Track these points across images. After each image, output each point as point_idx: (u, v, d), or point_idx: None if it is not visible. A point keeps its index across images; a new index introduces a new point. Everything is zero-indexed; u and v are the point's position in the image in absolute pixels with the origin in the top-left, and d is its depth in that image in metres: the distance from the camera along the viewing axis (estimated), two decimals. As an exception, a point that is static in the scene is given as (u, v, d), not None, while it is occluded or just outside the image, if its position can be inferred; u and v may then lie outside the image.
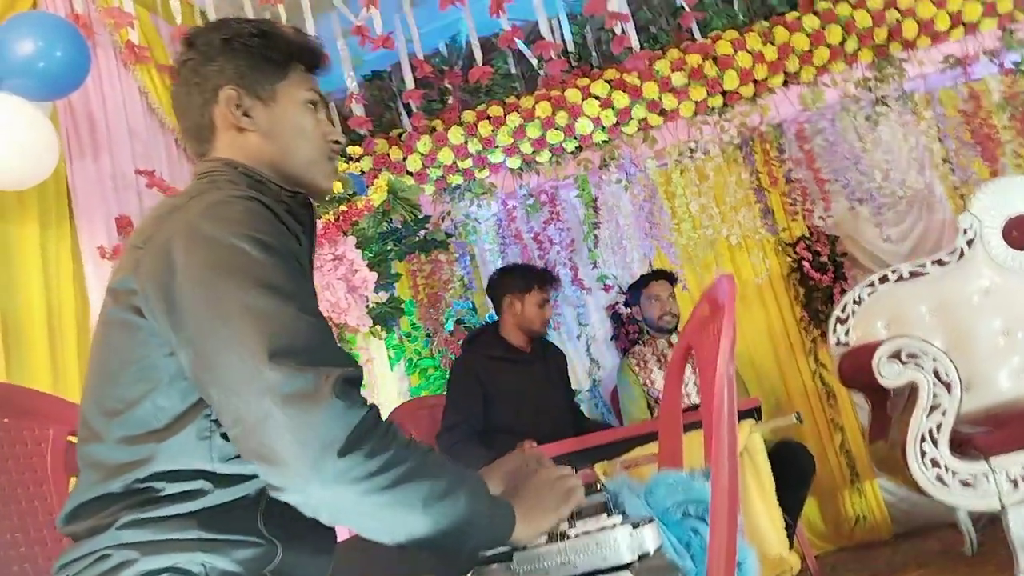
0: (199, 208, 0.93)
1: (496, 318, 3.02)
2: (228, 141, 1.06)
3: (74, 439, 1.22)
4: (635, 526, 0.99)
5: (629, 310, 3.64)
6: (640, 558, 0.97)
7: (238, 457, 0.91)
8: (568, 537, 0.99)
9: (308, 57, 1.10)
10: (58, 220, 2.16)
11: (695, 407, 2.66)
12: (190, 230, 0.90)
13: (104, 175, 2.28)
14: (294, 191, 1.08)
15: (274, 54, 1.07)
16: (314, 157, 1.09)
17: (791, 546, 2.58)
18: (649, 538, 0.99)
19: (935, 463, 2.56)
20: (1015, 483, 2.50)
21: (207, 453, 0.91)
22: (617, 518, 1.02)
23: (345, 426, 0.82)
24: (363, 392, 0.91)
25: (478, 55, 3.12)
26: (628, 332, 3.71)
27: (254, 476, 0.92)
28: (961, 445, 2.60)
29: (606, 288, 3.69)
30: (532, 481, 1.05)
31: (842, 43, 3.44)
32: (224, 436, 0.91)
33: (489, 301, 3.11)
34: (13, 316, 1.94)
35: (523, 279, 2.87)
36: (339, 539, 1.09)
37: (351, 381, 0.87)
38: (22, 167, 1.85)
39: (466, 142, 3.50)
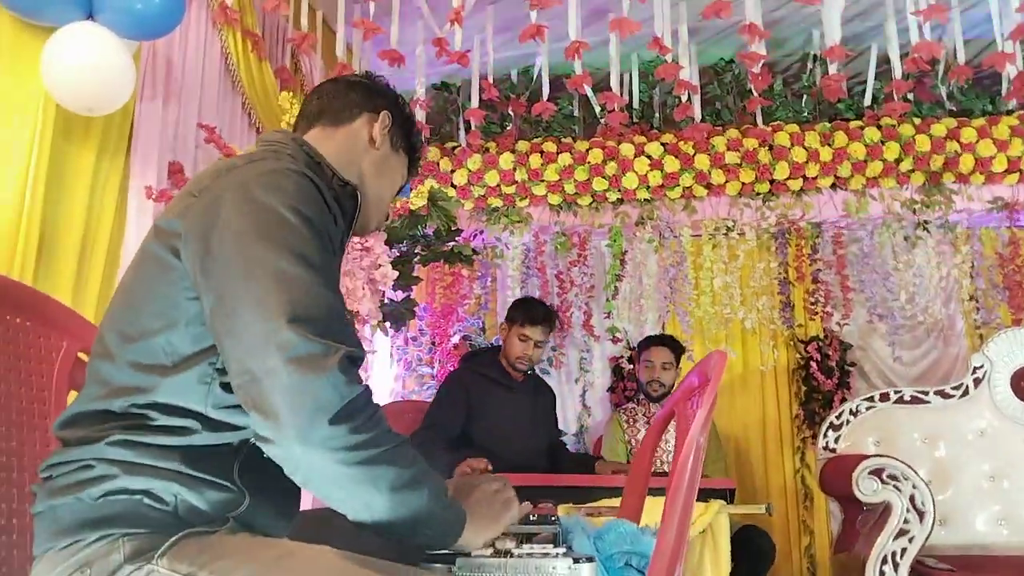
0: (255, 172, 1.00)
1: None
2: (345, 134, 1.21)
3: (84, 356, 1.30)
4: (576, 560, 1.04)
5: (632, 366, 3.69)
6: (573, 591, 1.02)
7: (230, 407, 0.97)
8: (511, 555, 1.04)
9: (414, 163, 1.32)
10: (115, 153, 2.25)
11: (666, 474, 2.69)
12: (242, 190, 0.97)
13: (168, 121, 2.38)
14: (346, 182, 1.17)
15: (414, 141, 1.30)
16: (381, 202, 1.27)
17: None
18: (585, 574, 1.04)
19: (891, 587, 2.57)
20: (965, 626, 2.50)
21: (203, 397, 0.97)
22: (561, 550, 1.07)
23: (340, 398, 0.88)
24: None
25: (545, 91, 3.21)
26: (625, 388, 3.75)
27: (240, 428, 0.98)
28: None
29: (614, 340, 3.74)
30: (474, 494, 1.10)
31: (898, 161, 3.50)
32: (222, 385, 0.97)
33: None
34: (51, 229, 2.03)
35: (517, 310, 2.93)
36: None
37: (354, 360, 0.93)
38: (97, 96, 1.95)
39: (514, 169, 3.59)
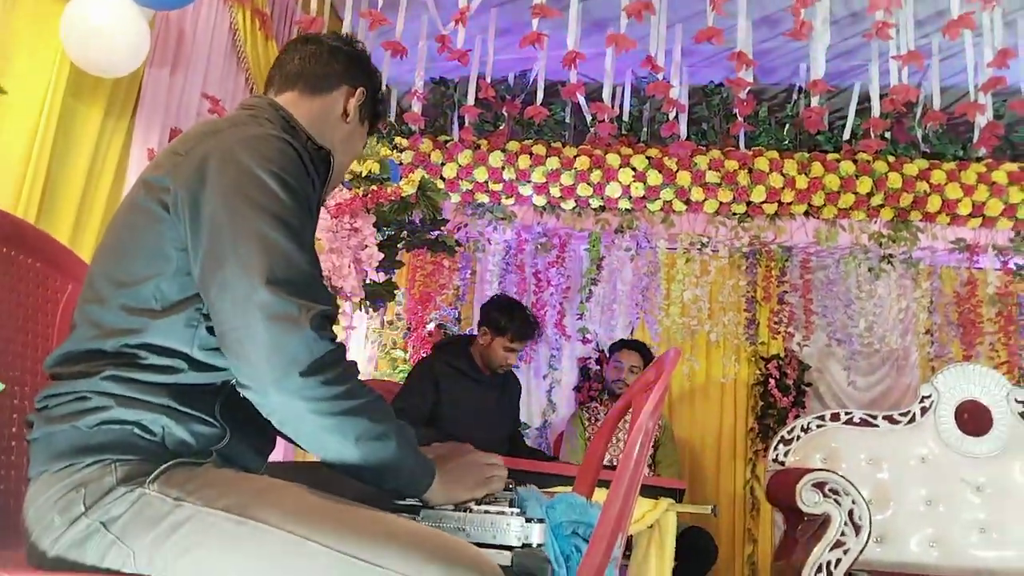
0: (239, 136, 1.07)
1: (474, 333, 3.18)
2: (322, 104, 1.28)
3: (88, 299, 1.39)
4: (528, 520, 1.15)
5: (599, 367, 3.81)
6: (522, 546, 1.13)
7: (214, 350, 1.06)
8: (470, 510, 1.15)
9: (377, 126, 1.42)
10: (121, 114, 2.33)
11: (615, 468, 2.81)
12: (227, 153, 1.05)
13: (175, 89, 2.47)
14: (319, 145, 1.27)
15: (379, 111, 1.39)
16: (340, 174, 1.36)
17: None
18: (535, 533, 1.15)
19: (823, 595, 2.71)
20: (888, 636, 2.65)
21: (190, 340, 1.06)
22: (516, 510, 1.18)
23: (311, 352, 0.97)
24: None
25: (540, 95, 3.33)
26: (591, 387, 3.88)
27: (222, 369, 1.08)
28: (853, 587, 2.75)
29: (584, 341, 3.86)
30: (463, 459, 1.21)
31: (869, 195, 3.66)
32: (208, 329, 1.06)
33: (478, 315, 3.27)
34: (54, 181, 2.11)
35: (505, 321, 2.92)
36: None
37: (327, 317, 1.02)
38: (110, 59, 2.03)
39: (503, 168, 3.71)
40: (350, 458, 1.02)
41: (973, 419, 3.29)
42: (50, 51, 2.05)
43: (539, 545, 1.16)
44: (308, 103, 1.27)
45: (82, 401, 1.04)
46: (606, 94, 3.33)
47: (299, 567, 0.94)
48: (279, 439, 1.27)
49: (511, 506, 1.23)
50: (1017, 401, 3.33)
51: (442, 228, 2.82)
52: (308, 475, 1.36)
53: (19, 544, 1.07)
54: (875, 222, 3.73)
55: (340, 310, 2.51)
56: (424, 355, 3.48)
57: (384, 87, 1.46)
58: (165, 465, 1.02)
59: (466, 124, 3.70)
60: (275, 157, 1.07)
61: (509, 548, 1.12)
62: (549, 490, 2.46)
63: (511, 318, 2.95)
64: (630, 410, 1.69)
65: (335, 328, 1.10)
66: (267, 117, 1.19)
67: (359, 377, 1.06)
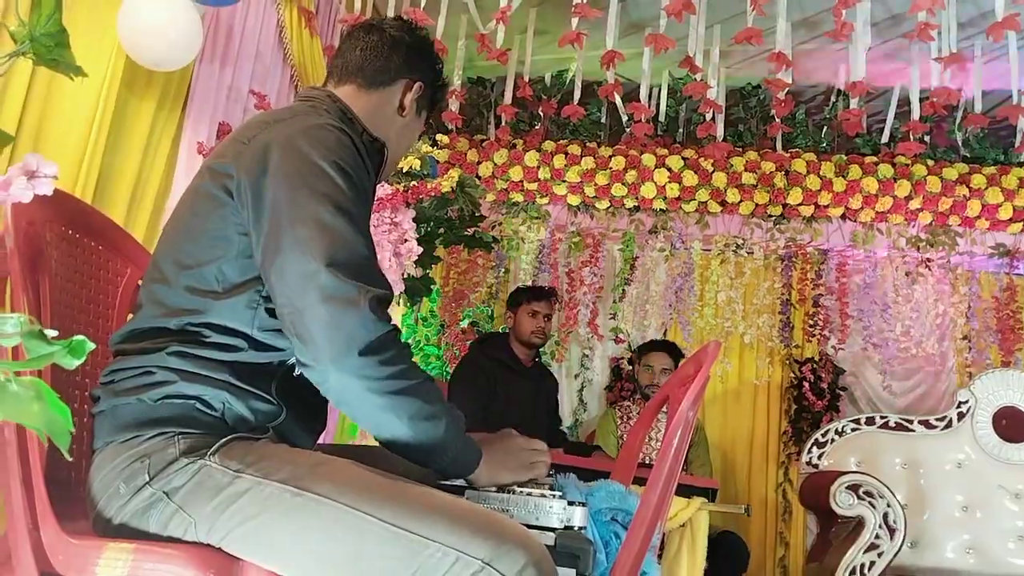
0: (300, 126, 1.11)
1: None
2: (379, 98, 1.29)
3: (143, 283, 1.44)
4: (570, 503, 1.18)
5: (630, 368, 3.82)
6: (564, 528, 1.15)
7: (272, 331, 1.11)
8: (513, 492, 1.18)
9: (437, 109, 1.42)
10: (172, 108, 2.40)
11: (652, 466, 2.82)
12: (288, 142, 1.09)
13: (223, 84, 2.53)
14: (374, 137, 1.29)
15: (439, 97, 1.39)
16: (395, 164, 1.38)
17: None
18: (577, 516, 1.18)
19: (856, 598, 2.70)
20: (922, 641, 2.63)
21: (250, 320, 1.11)
22: (558, 494, 1.21)
23: (369, 333, 1.01)
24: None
25: (577, 95, 3.35)
26: (623, 388, 3.89)
27: (280, 350, 1.12)
28: (886, 591, 2.74)
29: (617, 340, 3.87)
30: (508, 443, 1.24)
31: (907, 198, 3.63)
32: (267, 311, 1.10)
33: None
34: (107, 172, 2.17)
35: (517, 294, 3.17)
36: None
37: (384, 301, 1.06)
38: (164, 53, 2.09)
39: (539, 167, 3.74)
40: (402, 436, 1.05)
41: (1012, 425, 3.25)
42: (106, 44, 2.11)
43: (581, 528, 1.18)
44: (366, 97, 1.30)
45: (147, 375, 1.09)
46: (643, 94, 3.34)
47: (352, 538, 0.98)
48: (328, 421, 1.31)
49: (552, 491, 1.26)
50: (1057, 408, 3.28)
51: (479, 225, 2.85)
52: (356, 455, 1.40)
53: (84, 515, 1.12)
54: (913, 226, 3.70)
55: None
56: (464, 353, 3.53)
57: (445, 76, 1.43)
58: (225, 439, 1.06)
59: (503, 123, 3.74)
60: (333, 146, 1.11)
61: (551, 530, 1.15)
62: (587, 486, 2.48)
63: (522, 290, 3.21)
64: (666, 405, 1.71)
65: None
66: (325, 108, 1.23)
67: (412, 359, 1.10)
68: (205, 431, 1.07)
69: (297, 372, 1.10)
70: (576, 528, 1.17)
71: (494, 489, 1.19)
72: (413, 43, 1.33)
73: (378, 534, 0.97)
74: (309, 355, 1.02)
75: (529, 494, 1.18)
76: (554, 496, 1.18)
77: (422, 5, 2.89)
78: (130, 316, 1.26)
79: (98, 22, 2.11)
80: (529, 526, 1.15)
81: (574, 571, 1.11)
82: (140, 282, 1.38)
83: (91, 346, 0.67)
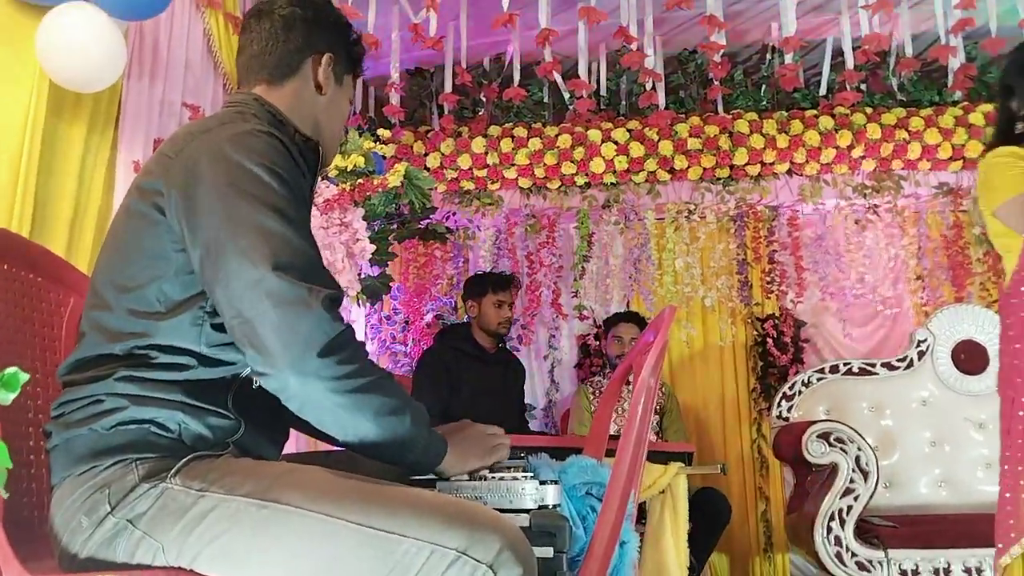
0: (227, 134, 1.08)
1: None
2: (293, 88, 1.24)
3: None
4: (542, 483, 1.18)
5: (597, 343, 3.85)
6: (539, 508, 1.16)
7: (221, 345, 1.09)
8: (485, 479, 1.18)
9: (361, 69, 1.36)
10: (104, 129, 2.34)
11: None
12: (217, 151, 1.06)
13: (154, 100, 2.47)
14: (307, 136, 1.26)
15: (355, 55, 1.31)
16: (334, 140, 1.33)
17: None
18: (550, 494, 1.18)
19: (838, 541, 2.76)
20: (904, 575, 2.70)
21: (197, 337, 1.08)
22: (530, 474, 1.21)
23: (325, 333, 1.00)
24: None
25: (516, 77, 3.34)
26: (592, 363, 3.91)
27: (231, 363, 1.10)
28: (866, 532, 2.81)
29: (581, 317, 3.89)
30: (467, 432, 1.24)
31: (850, 148, 3.69)
32: (214, 326, 1.08)
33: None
34: (44, 200, 2.11)
35: (480, 284, 3.14)
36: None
37: (335, 300, 1.05)
38: (89, 74, 2.04)
39: (486, 153, 3.72)
40: (369, 435, 1.05)
41: (970, 358, 3.34)
42: (28, 70, 2.05)
43: (555, 505, 1.19)
44: (279, 91, 1.25)
45: (97, 404, 1.07)
46: (582, 70, 3.34)
47: (325, 544, 0.97)
48: (292, 434, 1.30)
49: (524, 472, 1.27)
50: (1011, 337, 3.37)
51: (431, 216, 2.84)
52: (325, 462, 1.39)
53: (48, 554, 1.10)
54: (858, 174, 3.77)
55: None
56: (427, 346, 3.52)
57: (354, 30, 1.33)
58: (185, 459, 1.05)
59: (446, 112, 3.71)
60: (264, 151, 1.09)
61: (527, 511, 1.15)
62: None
63: (483, 277, 3.19)
64: (631, 375, 1.73)
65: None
66: (253, 112, 1.20)
67: (368, 357, 1.09)
68: (163, 454, 1.05)
69: (256, 384, 1.09)
70: (551, 506, 1.18)
71: (466, 478, 1.19)
72: (307, 15, 1.26)
73: (349, 536, 0.97)
74: (265, 364, 1.01)
75: (501, 478, 1.19)
76: (526, 477, 1.19)
77: (350, 0, 2.85)
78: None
79: (16, 47, 2.04)
80: (504, 510, 1.15)
81: (551, 549, 1.12)
82: (84, 307, 1.36)
83: (24, 377, 0.65)
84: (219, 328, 1.08)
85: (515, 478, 1.19)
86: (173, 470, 1.03)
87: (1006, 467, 1.82)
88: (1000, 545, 1.79)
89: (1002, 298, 1.95)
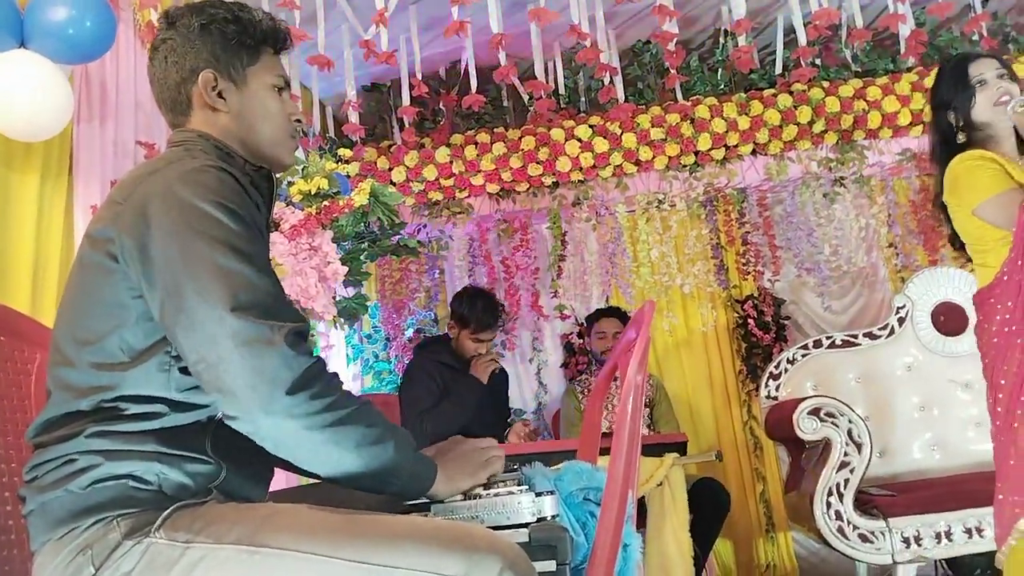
0: (176, 173, 1.06)
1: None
2: (202, 118, 1.18)
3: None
4: (538, 494, 1.16)
5: (582, 341, 3.84)
6: (537, 520, 1.14)
7: (192, 388, 1.06)
8: (480, 497, 1.16)
9: (277, 41, 1.23)
10: (57, 175, 2.29)
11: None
12: (167, 192, 1.03)
13: (107, 141, 2.42)
14: (258, 165, 1.23)
15: (247, 39, 1.20)
16: (278, 137, 1.22)
17: (697, 576, 2.76)
18: (548, 505, 1.16)
19: (839, 516, 2.76)
20: (907, 543, 2.71)
21: (166, 383, 1.06)
22: (525, 487, 1.19)
23: (292, 370, 0.97)
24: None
25: (474, 83, 3.32)
26: (578, 362, 3.90)
27: (205, 406, 1.07)
28: (865, 504, 2.81)
29: (563, 317, 3.88)
30: (457, 449, 1.22)
31: (811, 123, 3.70)
32: (181, 370, 1.05)
33: (450, 312, 3.30)
34: (2, 254, 2.07)
35: (467, 313, 3.05)
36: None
37: (300, 334, 1.02)
38: (36, 122, 1.99)
39: (451, 162, 3.70)
40: (351, 467, 1.02)
41: (949, 320, 3.37)
42: (-28, 124, 2.00)
43: (553, 516, 1.17)
44: (197, 126, 1.19)
45: (70, 464, 1.04)
46: (538, 70, 3.33)
47: (321, 584, 0.94)
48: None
49: (519, 485, 1.24)
50: (987, 295, 3.41)
51: (402, 231, 2.81)
52: (312, 496, 1.36)
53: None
54: (821, 148, 3.78)
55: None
56: (408, 360, 3.49)
57: (233, 14, 1.20)
58: (167, 511, 1.01)
59: (406, 125, 3.69)
60: (214, 187, 1.06)
61: (525, 525, 1.13)
62: (553, 469, 2.47)
63: (472, 308, 3.07)
64: (617, 373, 1.71)
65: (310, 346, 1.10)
66: (200, 148, 1.17)
67: (343, 387, 1.06)
68: (144, 507, 1.02)
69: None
70: (548, 517, 1.16)
71: (460, 498, 1.17)
72: (174, 42, 1.17)
73: (346, 574, 0.94)
74: (234, 407, 0.98)
75: (496, 495, 1.17)
76: (521, 491, 1.17)
77: (297, 22, 2.82)
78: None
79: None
80: (502, 527, 1.13)
81: (554, 562, 1.09)
82: (47, 365, 1.31)
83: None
84: (188, 371, 1.05)
85: (510, 492, 1.16)
86: (157, 523, 1.00)
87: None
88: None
89: (982, 294, 2.01)
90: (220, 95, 1.19)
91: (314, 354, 1.03)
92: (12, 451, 1.26)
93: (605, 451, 1.76)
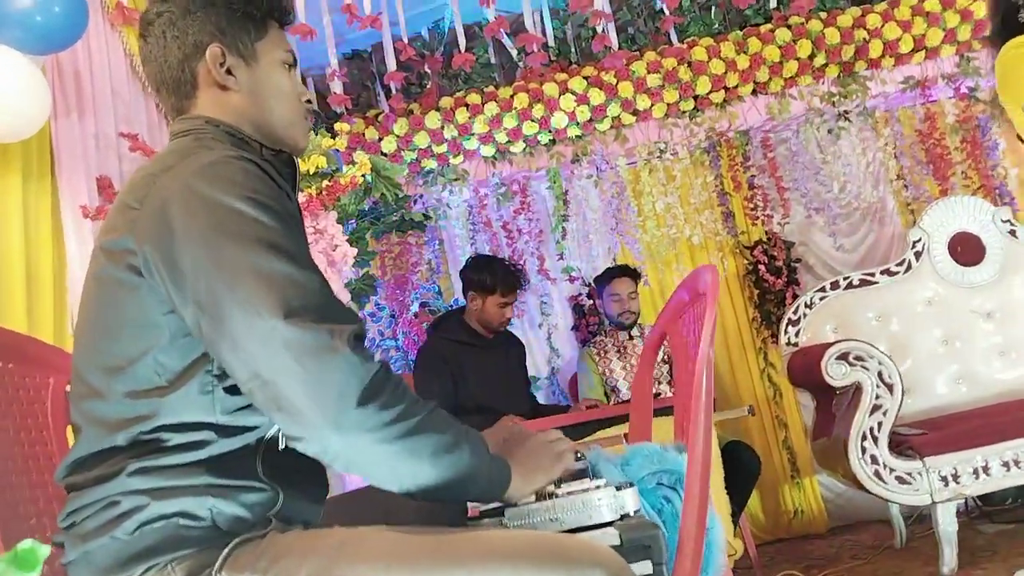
0: (193, 168, 0.94)
1: (462, 302, 3.09)
2: (211, 98, 1.07)
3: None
4: (617, 489, 1.07)
5: (591, 302, 3.75)
6: (621, 517, 1.05)
7: (240, 410, 0.95)
8: (556, 496, 1.07)
9: (282, 15, 1.12)
10: (40, 176, 2.15)
11: (658, 396, 2.77)
12: (187, 191, 0.92)
13: (87, 135, 2.27)
14: (276, 149, 1.11)
15: (253, 11, 1.08)
16: (293, 118, 1.11)
17: (735, 532, 2.72)
18: (629, 500, 1.07)
19: (874, 460, 2.72)
20: (945, 481, 2.68)
21: (210, 406, 0.94)
22: (601, 481, 1.10)
23: (360, 379, 0.87)
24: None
25: (462, 42, 3.17)
26: (588, 323, 3.82)
27: (254, 427, 0.97)
28: (899, 445, 2.77)
29: (571, 279, 3.78)
30: (526, 444, 1.12)
31: (811, 57, 3.58)
32: (226, 390, 0.94)
33: (458, 284, 3.18)
34: (-8, 267, 1.95)
35: (489, 280, 2.91)
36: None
37: (360, 337, 0.91)
38: (12, 120, 1.84)
39: (442, 127, 3.55)
40: (430, 479, 0.92)
41: (967, 250, 3.31)
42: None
43: (636, 511, 1.09)
44: (204, 109, 1.08)
45: (112, 507, 0.93)
46: (527, 23, 3.18)
47: (409, 616, 0.86)
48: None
49: (588, 478, 1.16)
50: (1003, 221, 3.35)
51: (406, 204, 2.69)
52: (367, 501, 1.27)
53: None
54: (823, 83, 3.67)
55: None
56: (420, 340, 3.39)
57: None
58: (227, 548, 0.91)
59: (393, 92, 3.53)
60: (240, 179, 0.93)
61: (609, 524, 1.05)
62: (589, 440, 2.40)
63: (493, 274, 2.93)
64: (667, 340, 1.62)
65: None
66: (212, 136, 1.04)
67: (408, 387, 0.96)
68: (200, 547, 0.92)
69: (283, 445, 0.96)
70: (631, 513, 1.07)
71: (533, 500, 1.08)
72: (172, 14, 1.06)
73: (436, 602, 0.85)
74: (298, 427, 0.87)
75: (572, 492, 1.08)
76: (599, 486, 1.08)
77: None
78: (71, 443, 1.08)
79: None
80: (584, 528, 1.05)
81: (649, 562, 1.01)
82: (68, 393, 1.20)
83: (44, 552, 0.51)
84: (233, 390, 0.94)
85: (587, 489, 1.08)
86: (217, 564, 0.91)
87: None
88: None
89: None
90: (229, 72, 1.07)
91: (377, 358, 0.92)
92: (38, 490, 1.15)
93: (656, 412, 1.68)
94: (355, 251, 2.32)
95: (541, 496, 1.08)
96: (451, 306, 3.74)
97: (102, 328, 0.97)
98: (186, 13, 1.06)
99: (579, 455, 1.24)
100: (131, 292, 0.95)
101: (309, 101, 1.15)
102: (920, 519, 3.26)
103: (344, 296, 2.28)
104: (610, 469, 1.26)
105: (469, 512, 1.17)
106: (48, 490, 1.17)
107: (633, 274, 3.37)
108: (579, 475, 1.16)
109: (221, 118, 1.07)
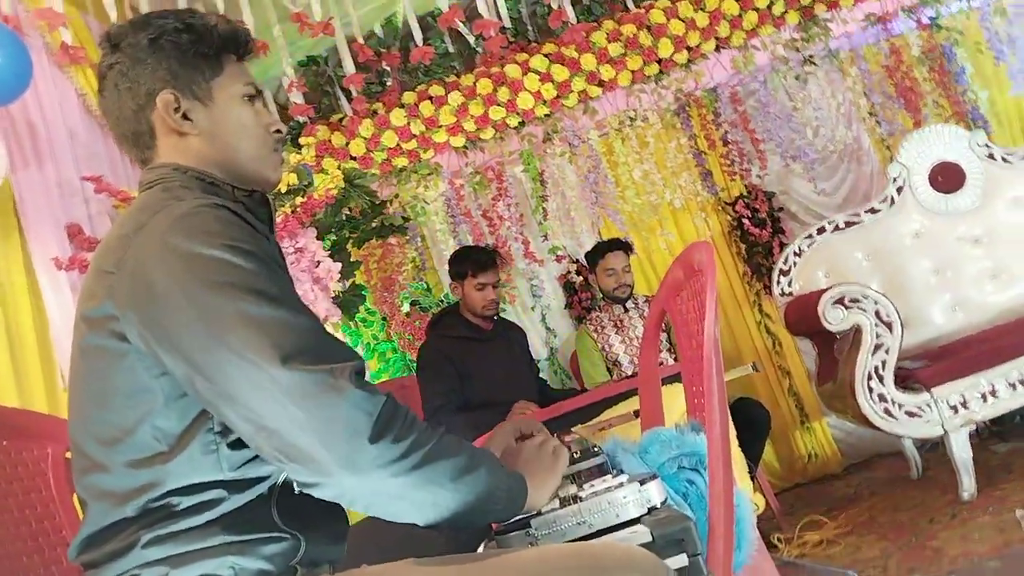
0: (167, 223, 0.91)
1: (453, 297, 3.07)
2: (170, 146, 1.04)
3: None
4: (641, 483, 1.05)
5: (581, 279, 3.73)
6: (649, 511, 1.04)
7: (247, 463, 0.93)
8: (580, 499, 1.05)
9: (238, 46, 1.07)
10: (6, 232, 2.10)
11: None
12: (163, 249, 0.89)
13: (50, 183, 2.21)
14: (249, 190, 1.07)
15: (205, 48, 1.03)
16: (259, 152, 1.07)
17: (753, 488, 2.72)
18: (655, 492, 1.06)
19: (882, 398, 2.73)
20: (955, 409, 2.69)
21: (216, 464, 0.92)
22: (623, 477, 1.08)
23: (369, 414, 0.84)
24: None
25: (418, 36, 3.11)
26: (581, 300, 3.80)
27: (265, 477, 0.94)
28: (904, 380, 2.78)
29: (558, 259, 3.76)
30: (521, 453, 1.10)
31: (769, 7, 3.55)
32: (230, 445, 0.92)
33: (446, 279, 3.16)
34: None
35: (462, 264, 2.93)
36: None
37: (361, 371, 0.89)
38: (-31, 181, 1.80)
39: (409, 123, 3.49)
40: (451, 504, 0.90)
41: (947, 178, 3.31)
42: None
43: (663, 503, 1.07)
44: (166, 158, 1.04)
45: None
46: (481, 7, 3.13)
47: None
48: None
49: (608, 472, 1.14)
50: (980, 145, 3.35)
51: (383, 211, 2.65)
52: (388, 526, 1.25)
53: None
54: (784, 30, 3.64)
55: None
56: (419, 340, 3.36)
57: (184, 22, 1.03)
58: None
59: (354, 94, 3.47)
60: (215, 228, 0.90)
61: (637, 520, 1.03)
62: (604, 419, 2.38)
63: (464, 258, 2.96)
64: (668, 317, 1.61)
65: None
66: (180, 184, 1.00)
67: (416, 416, 0.94)
68: None
69: (297, 490, 0.93)
70: (659, 506, 1.06)
71: (556, 505, 1.06)
72: (123, 65, 1.02)
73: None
74: (311, 473, 0.85)
75: (596, 492, 1.06)
76: (621, 483, 1.06)
77: (221, 8, 2.58)
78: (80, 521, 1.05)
79: None
80: (613, 528, 1.03)
81: (684, 555, 1.00)
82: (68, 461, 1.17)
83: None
84: (238, 444, 0.91)
85: (610, 487, 1.06)
86: None
87: None
88: None
89: None
90: (185, 116, 1.03)
91: (381, 391, 0.89)
92: (53, 567, 1.12)
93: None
94: (339, 265, 2.28)
95: (565, 501, 1.06)
96: (442, 301, 3.71)
97: (94, 400, 0.94)
98: (136, 62, 1.01)
99: (595, 448, 1.23)
100: (118, 359, 0.92)
101: (279, 131, 1.09)
102: (933, 447, 3.28)
103: (334, 311, 2.24)
104: (629, 459, 1.24)
105: (494, 526, 1.16)
106: (63, 565, 1.14)
107: (625, 247, 3.36)
108: (599, 470, 1.15)
109: (186, 163, 1.03)
